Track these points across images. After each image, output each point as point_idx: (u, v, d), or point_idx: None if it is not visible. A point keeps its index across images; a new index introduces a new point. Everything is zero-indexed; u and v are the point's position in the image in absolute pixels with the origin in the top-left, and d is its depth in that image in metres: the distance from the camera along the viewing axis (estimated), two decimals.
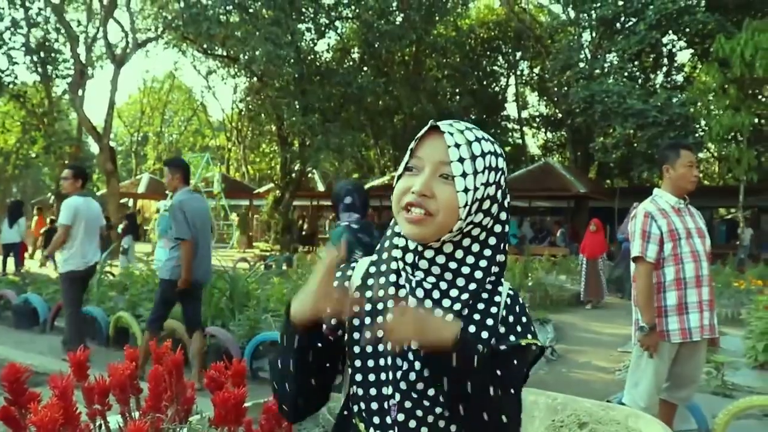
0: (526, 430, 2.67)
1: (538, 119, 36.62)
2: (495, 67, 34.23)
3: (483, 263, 1.29)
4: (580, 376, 6.86)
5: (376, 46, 23.62)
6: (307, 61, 22.32)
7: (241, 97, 31.20)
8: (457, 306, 1.25)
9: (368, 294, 1.32)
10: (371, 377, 1.28)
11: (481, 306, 1.28)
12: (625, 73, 22.51)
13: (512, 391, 1.25)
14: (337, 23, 24.94)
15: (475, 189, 1.22)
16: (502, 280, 1.34)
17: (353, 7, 23.05)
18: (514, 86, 35.48)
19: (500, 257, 1.33)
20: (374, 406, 1.27)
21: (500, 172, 1.28)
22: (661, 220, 3.66)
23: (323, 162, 25.02)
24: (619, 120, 19.94)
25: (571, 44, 22.87)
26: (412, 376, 1.23)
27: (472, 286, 1.27)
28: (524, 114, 36.61)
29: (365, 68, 25.25)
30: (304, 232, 28.41)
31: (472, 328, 1.26)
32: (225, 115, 43.02)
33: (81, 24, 26.57)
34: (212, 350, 6.15)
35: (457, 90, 32.02)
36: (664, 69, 26.44)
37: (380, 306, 1.28)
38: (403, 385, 1.23)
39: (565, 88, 24.57)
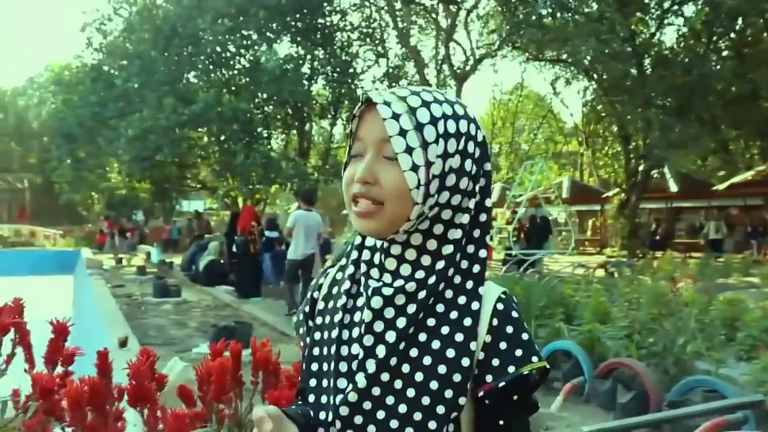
0: None
1: None
2: None
3: (448, 249, 1.07)
4: None
5: (725, 26, 21.05)
6: (650, 53, 20.94)
7: (587, 100, 30.62)
8: (412, 309, 1.06)
9: (330, 304, 1.17)
10: (323, 399, 1.12)
11: (454, 314, 1.06)
12: None
13: None
14: (683, 7, 22.85)
15: (429, 164, 1.02)
16: (488, 282, 1.09)
17: None
18: None
19: (478, 245, 1.11)
20: None
21: (465, 137, 1.06)
22: None
23: (675, 159, 23.01)
24: None
25: None
26: (353, 396, 1.05)
27: (432, 280, 1.06)
28: None
29: (724, 53, 22.67)
30: (657, 237, 26.65)
31: (435, 344, 1.05)
32: (574, 120, 42.54)
33: (426, 46, 28.69)
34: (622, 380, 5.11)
35: None
36: None
37: (337, 318, 1.12)
38: (343, 411, 1.06)
39: None
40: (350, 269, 1.13)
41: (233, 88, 21.33)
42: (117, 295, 12.13)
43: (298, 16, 20.65)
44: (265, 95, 20.83)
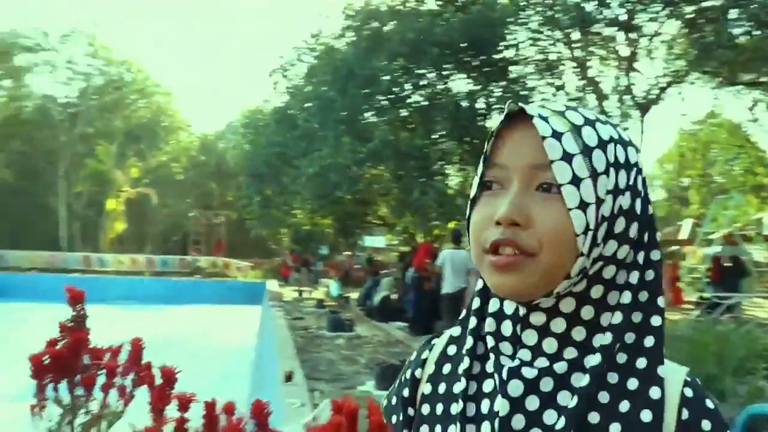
0: None
1: None
2: None
3: (616, 318, 0.78)
4: None
5: None
6: None
7: None
8: (574, 402, 0.77)
9: (441, 387, 0.89)
10: None
11: (624, 406, 0.77)
12: None
13: None
14: None
15: (599, 201, 0.75)
16: (666, 360, 0.81)
17: None
18: None
19: (648, 311, 0.81)
20: None
21: (635, 170, 0.79)
22: None
23: None
24: None
25: None
26: None
27: (593, 360, 0.79)
28: None
29: None
30: None
31: None
32: None
33: (608, 76, 27.46)
34: None
35: None
36: None
37: (454, 408, 0.84)
38: None
39: None
40: (468, 342, 0.85)
41: (409, 126, 21.71)
42: (295, 328, 12.55)
43: (471, 52, 20.62)
44: (441, 132, 20.97)
